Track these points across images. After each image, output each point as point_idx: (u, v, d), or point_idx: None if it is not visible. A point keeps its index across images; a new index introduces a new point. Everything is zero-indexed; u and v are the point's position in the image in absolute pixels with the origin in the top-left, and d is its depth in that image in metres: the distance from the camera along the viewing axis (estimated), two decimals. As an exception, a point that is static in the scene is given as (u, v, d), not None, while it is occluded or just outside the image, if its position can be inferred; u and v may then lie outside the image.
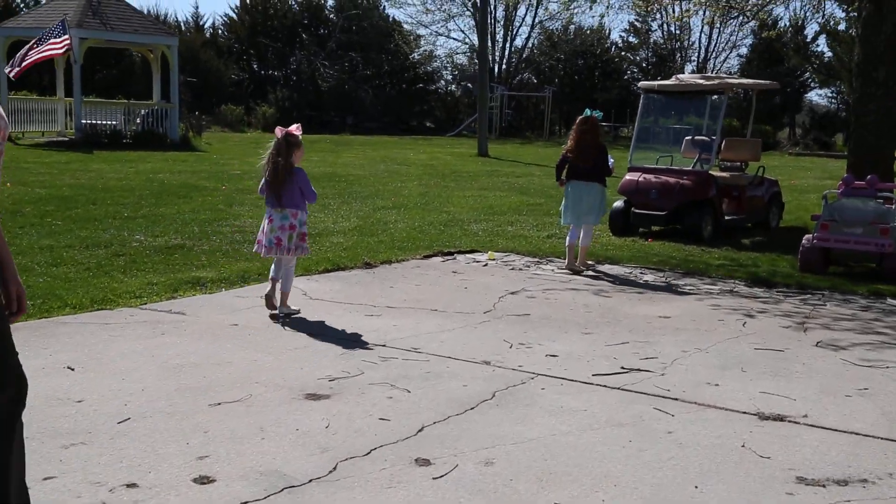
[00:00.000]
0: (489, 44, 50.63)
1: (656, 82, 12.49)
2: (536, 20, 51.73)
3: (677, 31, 53.07)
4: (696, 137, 12.73)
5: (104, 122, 26.43)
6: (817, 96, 58.56)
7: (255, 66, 49.32)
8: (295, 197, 6.78)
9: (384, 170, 21.52)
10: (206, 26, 49.60)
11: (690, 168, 12.14)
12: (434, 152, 29.35)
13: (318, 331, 6.41)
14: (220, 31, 49.38)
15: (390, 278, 8.53)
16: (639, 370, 5.64)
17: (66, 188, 14.47)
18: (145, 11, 37.36)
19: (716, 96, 12.29)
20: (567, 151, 9.46)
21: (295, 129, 6.83)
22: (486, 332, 6.52)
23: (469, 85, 50.63)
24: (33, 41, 22.61)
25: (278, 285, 6.87)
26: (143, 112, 27.02)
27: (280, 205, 6.78)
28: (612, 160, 9.63)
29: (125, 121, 26.91)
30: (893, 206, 9.28)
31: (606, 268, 9.60)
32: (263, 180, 6.90)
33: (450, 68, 54.20)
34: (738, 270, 9.50)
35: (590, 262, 9.67)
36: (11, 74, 22.69)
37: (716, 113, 12.65)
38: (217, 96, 43.16)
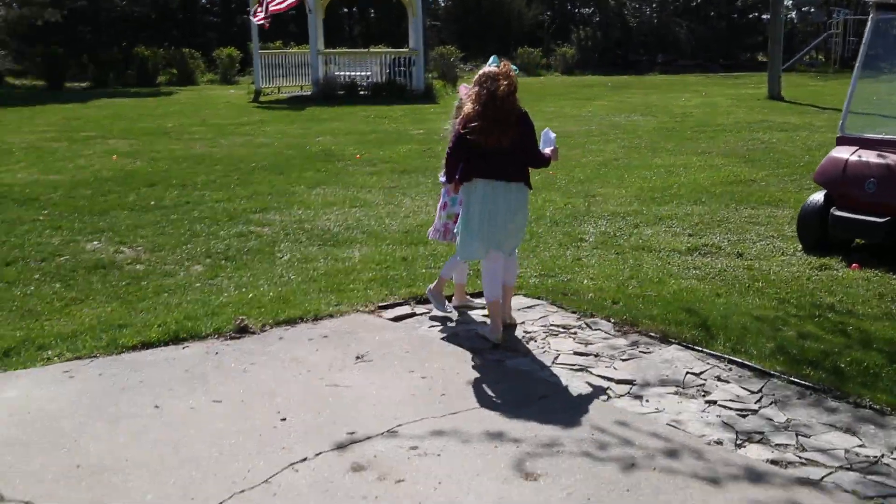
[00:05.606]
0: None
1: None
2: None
3: None
4: (964, 87, 7.77)
5: (354, 74, 25.09)
6: None
7: (563, 3, 45.96)
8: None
9: (615, 123, 17.56)
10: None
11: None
12: (718, 95, 24.38)
13: None
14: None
15: (219, 371, 4.82)
16: None
17: (181, 158, 12.68)
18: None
19: None
20: (465, 122, 5.15)
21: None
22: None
23: (810, 10, 43.32)
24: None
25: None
26: (388, 61, 25.25)
27: None
28: (552, 135, 5.46)
29: (379, 72, 25.28)
30: None
31: (685, 354, 5.56)
32: None
33: (790, -9, 46.84)
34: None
35: (653, 333, 5.63)
36: (257, 21, 21.70)
37: None
38: (515, 38, 40.56)
